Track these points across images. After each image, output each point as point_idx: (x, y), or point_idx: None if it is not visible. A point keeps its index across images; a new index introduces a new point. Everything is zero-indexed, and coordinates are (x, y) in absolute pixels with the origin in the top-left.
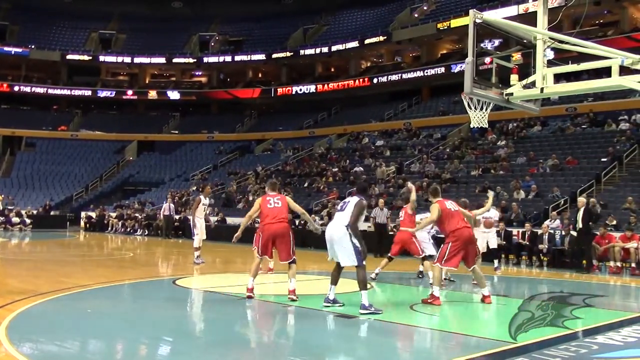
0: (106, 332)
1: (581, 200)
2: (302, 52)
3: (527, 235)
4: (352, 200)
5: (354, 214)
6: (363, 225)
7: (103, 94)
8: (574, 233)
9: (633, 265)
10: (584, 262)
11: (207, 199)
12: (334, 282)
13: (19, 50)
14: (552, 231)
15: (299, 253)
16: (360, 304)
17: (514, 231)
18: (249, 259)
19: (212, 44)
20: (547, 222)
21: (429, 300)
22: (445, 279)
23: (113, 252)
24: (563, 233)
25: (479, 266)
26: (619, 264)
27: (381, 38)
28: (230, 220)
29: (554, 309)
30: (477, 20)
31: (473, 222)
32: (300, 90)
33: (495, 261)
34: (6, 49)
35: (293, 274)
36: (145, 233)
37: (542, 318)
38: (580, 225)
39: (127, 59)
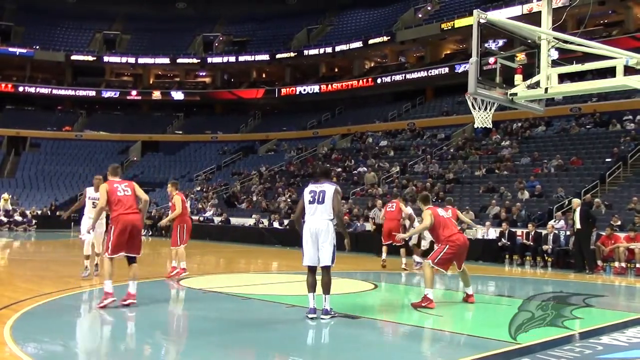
0: (110, 332)
1: (576, 201)
2: (306, 52)
3: (531, 236)
4: (329, 190)
5: (336, 203)
6: (367, 226)
7: (107, 94)
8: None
9: (638, 265)
10: (585, 262)
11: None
12: (313, 288)
13: (24, 50)
14: (556, 231)
15: (295, 253)
16: (323, 309)
17: (518, 232)
18: (253, 259)
19: (216, 44)
20: (551, 223)
21: (422, 304)
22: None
23: None
24: (568, 233)
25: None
26: (623, 264)
27: (385, 38)
28: (234, 220)
29: (554, 309)
30: (481, 21)
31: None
32: (304, 90)
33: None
34: (11, 49)
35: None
36: (150, 233)
37: (542, 318)
38: (578, 225)
39: (131, 60)
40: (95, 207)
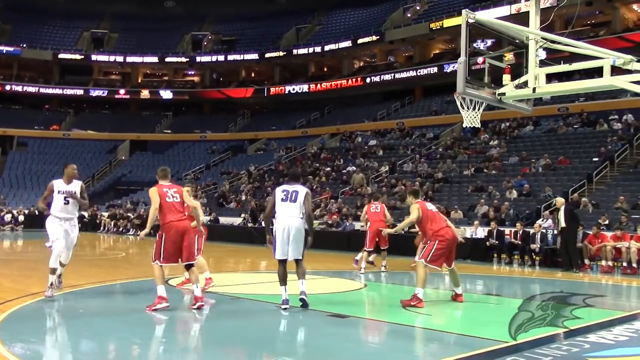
0: (98, 332)
1: (560, 200)
2: (295, 51)
3: (519, 235)
4: (301, 191)
5: (308, 203)
6: (356, 225)
7: (95, 93)
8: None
9: (624, 264)
10: (571, 261)
11: (70, 184)
12: (285, 282)
13: (11, 49)
14: (544, 230)
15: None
16: (301, 290)
17: (506, 231)
18: (241, 258)
19: (205, 43)
20: (539, 222)
21: (412, 303)
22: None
23: (105, 252)
24: (555, 232)
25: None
26: (610, 263)
27: (374, 38)
28: (223, 220)
29: (554, 309)
30: (470, 20)
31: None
32: (293, 89)
33: None
34: None
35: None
36: (137, 233)
37: (542, 318)
38: (563, 224)
39: (120, 58)
40: (68, 204)
